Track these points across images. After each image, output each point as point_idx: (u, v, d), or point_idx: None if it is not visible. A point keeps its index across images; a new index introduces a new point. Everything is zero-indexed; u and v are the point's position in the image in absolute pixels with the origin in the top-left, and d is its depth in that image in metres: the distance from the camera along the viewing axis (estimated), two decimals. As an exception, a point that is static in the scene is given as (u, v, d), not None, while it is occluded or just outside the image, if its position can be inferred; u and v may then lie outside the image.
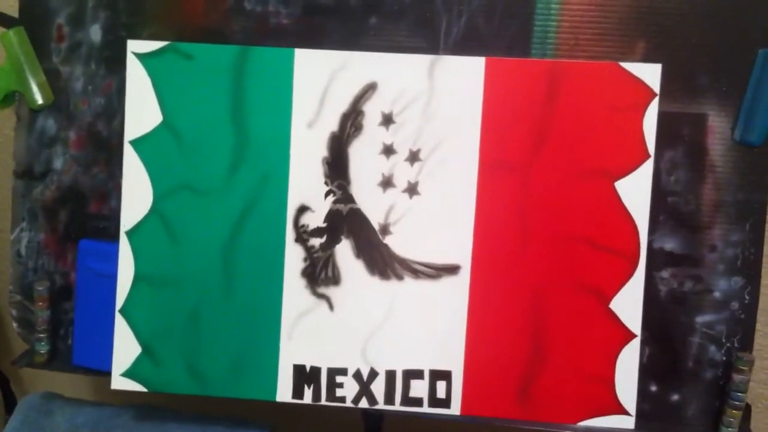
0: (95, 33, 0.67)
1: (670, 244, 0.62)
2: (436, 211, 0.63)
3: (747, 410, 0.63)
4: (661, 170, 0.61)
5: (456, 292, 0.63)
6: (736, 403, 0.61)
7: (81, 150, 0.67)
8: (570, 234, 0.62)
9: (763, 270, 0.66)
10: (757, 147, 0.60)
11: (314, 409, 0.64)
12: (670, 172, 0.61)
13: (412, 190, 0.63)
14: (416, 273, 0.63)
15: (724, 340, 0.62)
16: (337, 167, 0.63)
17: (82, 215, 0.68)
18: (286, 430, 0.73)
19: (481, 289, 0.63)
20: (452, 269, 0.63)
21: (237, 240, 0.64)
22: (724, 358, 0.62)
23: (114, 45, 0.66)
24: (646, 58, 0.61)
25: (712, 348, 0.63)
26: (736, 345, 0.62)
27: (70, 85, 0.67)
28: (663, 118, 0.61)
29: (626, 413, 0.62)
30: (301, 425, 0.74)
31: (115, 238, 0.65)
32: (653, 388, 0.63)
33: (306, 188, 0.63)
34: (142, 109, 0.64)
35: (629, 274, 0.62)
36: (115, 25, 0.66)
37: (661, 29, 0.61)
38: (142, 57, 0.64)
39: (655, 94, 0.60)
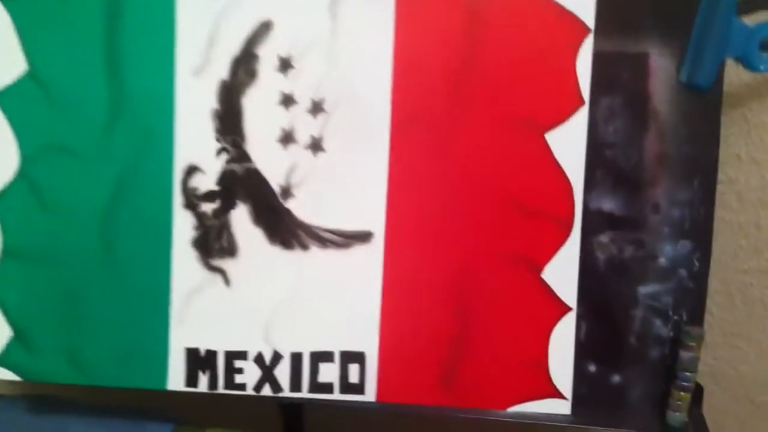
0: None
1: (608, 205, 0.54)
2: (345, 170, 0.54)
3: (698, 392, 0.56)
4: (597, 119, 0.54)
5: (369, 262, 0.55)
6: (684, 384, 0.54)
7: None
8: (495, 194, 0.54)
9: (717, 231, 0.59)
10: (707, 90, 0.52)
11: (228, 398, 0.56)
12: (608, 121, 0.54)
13: (316, 146, 0.54)
14: (323, 241, 0.55)
15: (670, 313, 0.55)
16: (229, 121, 0.54)
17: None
18: (199, 421, 0.65)
19: (397, 259, 0.55)
20: (364, 237, 0.55)
21: (117, 207, 0.55)
22: (671, 334, 0.55)
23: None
24: (580, -9, 0.52)
25: (658, 322, 0.55)
26: (684, 318, 0.55)
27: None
28: (598, 59, 0.53)
29: (561, 397, 0.55)
30: (213, 415, 0.65)
31: (-19, 207, 0.56)
32: (591, 369, 0.56)
33: (194, 146, 0.55)
34: (2, 57, 0.55)
35: (562, 239, 0.54)
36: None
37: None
38: (3, -3, 0.55)
39: (589, 30, 0.52)
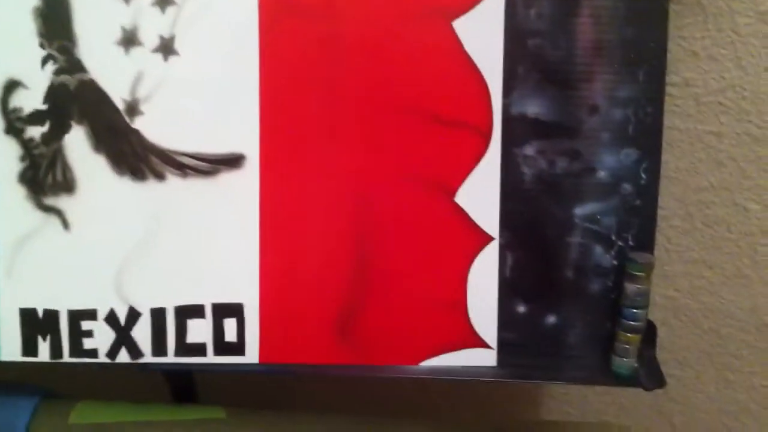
0: None
1: (533, 108, 0.44)
2: (204, 77, 0.43)
3: (650, 332, 0.46)
4: (516, 1, 0.42)
5: (241, 192, 0.44)
6: (632, 323, 0.44)
7: None
8: (394, 101, 0.43)
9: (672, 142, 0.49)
10: (650, -41, 0.41)
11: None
12: (530, 2, 0.42)
13: (166, 48, 0.43)
14: (183, 168, 0.43)
15: (613, 238, 0.45)
16: (55, 21, 0.43)
17: None
18: (72, 391, 0.54)
19: (276, 187, 0.44)
20: (234, 161, 0.43)
21: None
22: (615, 263, 0.45)
23: None
24: None
25: (598, 249, 0.45)
26: (630, 243, 0.44)
27: None
28: (515, -76, 0.41)
29: (485, 345, 0.45)
30: (89, 384, 0.54)
31: None
32: (520, 310, 0.45)
33: (13, 55, 0.43)
34: None
35: (479, 154, 0.43)
36: None
37: None
38: None
39: None
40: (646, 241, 0.45)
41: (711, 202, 0.55)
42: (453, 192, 0.45)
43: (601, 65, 0.44)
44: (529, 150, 0.45)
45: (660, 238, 0.56)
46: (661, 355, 0.48)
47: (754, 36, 0.51)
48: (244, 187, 0.45)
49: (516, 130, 0.44)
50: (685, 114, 0.53)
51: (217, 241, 0.45)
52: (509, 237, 0.45)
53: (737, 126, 0.53)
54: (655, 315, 0.53)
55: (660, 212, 0.53)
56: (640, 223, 0.45)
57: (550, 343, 0.46)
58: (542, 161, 0.45)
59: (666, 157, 0.52)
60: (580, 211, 0.45)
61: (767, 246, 0.56)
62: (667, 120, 0.50)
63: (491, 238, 0.45)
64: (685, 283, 0.59)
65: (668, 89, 0.51)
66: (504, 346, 0.46)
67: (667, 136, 0.51)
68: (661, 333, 0.53)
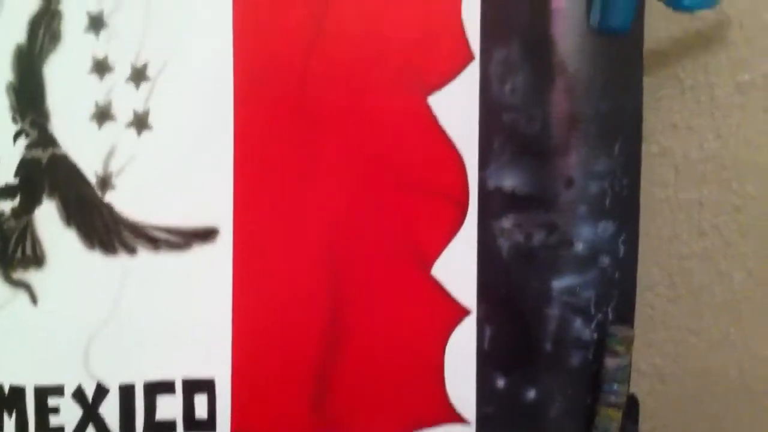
0: None
1: (510, 181, 0.43)
2: (178, 151, 0.42)
3: (632, 406, 0.44)
4: (490, 77, 0.42)
5: (214, 266, 0.43)
6: (612, 398, 0.43)
7: None
8: (370, 173, 0.42)
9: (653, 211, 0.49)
10: (624, 35, 0.41)
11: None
12: (504, 78, 0.42)
13: (140, 123, 0.42)
14: (155, 242, 0.43)
15: (593, 311, 0.44)
16: (28, 96, 0.43)
17: None
18: None
19: (249, 261, 0.43)
20: (207, 234, 0.43)
21: None
22: (595, 336, 0.44)
23: None
24: None
25: (578, 322, 0.44)
26: (610, 317, 0.44)
27: None
28: (488, 3, 0.41)
29: (463, 420, 0.44)
30: None
31: None
32: (499, 383, 0.45)
33: (-15, 129, 0.42)
34: None
35: (456, 227, 0.43)
36: None
37: None
38: None
39: (475, -34, 0.41)
40: (626, 314, 0.45)
41: (694, 269, 0.55)
42: (430, 265, 0.44)
43: (576, 138, 0.44)
44: (506, 223, 0.44)
45: (644, 306, 0.56)
46: (646, 422, 0.47)
47: (732, 107, 0.51)
48: (216, 261, 0.44)
49: (493, 203, 0.44)
50: (666, 183, 0.53)
51: (189, 315, 0.44)
52: (487, 310, 0.44)
53: (718, 195, 0.53)
54: (640, 382, 0.52)
55: (643, 280, 0.52)
56: (619, 295, 0.45)
57: (530, 417, 0.45)
58: (519, 234, 0.44)
59: (648, 225, 0.52)
60: (558, 283, 0.45)
61: (751, 313, 0.55)
62: (648, 189, 0.50)
63: (468, 312, 0.44)
64: (670, 350, 0.58)
65: (648, 159, 0.51)
66: (483, 421, 0.45)
67: (649, 204, 0.51)
68: (647, 400, 0.52)
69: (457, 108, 0.43)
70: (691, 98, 0.52)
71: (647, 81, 0.48)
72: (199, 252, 0.44)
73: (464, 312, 0.44)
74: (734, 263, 0.55)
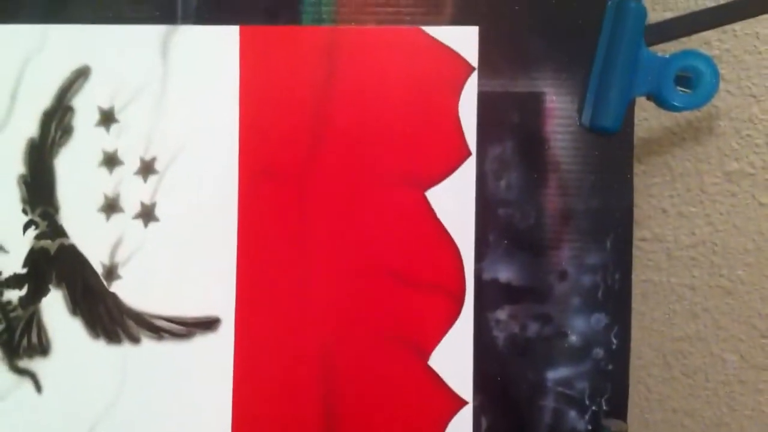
0: None
1: (505, 273, 0.44)
2: (183, 243, 0.44)
3: (626, 494, 0.45)
4: (486, 173, 0.44)
5: (216, 356, 0.44)
6: (607, 492, 0.43)
7: None
8: (368, 265, 0.44)
9: (647, 295, 0.50)
10: (615, 134, 0.43)
11: None
12: (499, 174, 0.44)
13: (147, 215, 0.44)
14: (158, 332, 0.44)
15: (587, 402, 0.45)
16: (39, 188, 0.44)
17: None
18: None
19: (250, 350, 0.44)
20: (209, 324, 0.44)
21: None
22: (590, 427, 0.45)
23: None
24: (457, 20, 0.43)
25: (572, 413, 0.45)
26: (604, 408, 0.44)
27: None
28: (485, 101, 0.43)
29: None
30: None
31: None
32: (495, 475, 0.45)
33: (-4, 220, 0.44)
34: None
35: (452, 318, 0.44)
36: None
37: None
38: None
39: (473, 68, 0.43)
40: (620, 406, 0.46)
41: (688, 351, 0.56)
42: (427, 355, 0.45)
43: (569, 233, 0.45)
44: (501, 314, 0.45)
45: (639, 387, 0.56)
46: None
47: (722, 194, 0.52)
48: (218, 350, 0.45)
49: (488, 295, 0.45)
50: (658, 267, 0.54)
51: (190, 403, 0.45)
52: (483, 400, 0.45)
53: (709, 279, 0.54)
54: (636, 464, 0.53)
55: (638, 361, 0.53)
56: (612, 387, 0.46)
57: None
58: (514, 325, 0.45)
59: (642, 308, 0.53)
60: (552, 374, 0.45)
61: (745, 395, 0.56)
62: (641, 273, 0.52)
63: (465, 402, 0.45)
64: (665, 431, 0.58)
65: (640, 244, 0.53)
66: None
67: (642, 288, 0.53)
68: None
69: (454, 202, 0.45)
70: (682, 186, 0.54)
71: (638, 168, 0.50)
72: (201, 341, 0.45)
73: (461, 403, 0.45)
74: (727, 346, 0.56)
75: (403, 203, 0.45)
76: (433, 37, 0.44)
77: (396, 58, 0.44)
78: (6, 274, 0.45)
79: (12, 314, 0.45)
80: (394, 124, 0.44)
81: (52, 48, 0.44)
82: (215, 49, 0.44)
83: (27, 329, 0.45)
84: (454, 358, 0.45)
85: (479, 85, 0.44)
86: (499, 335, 0.46)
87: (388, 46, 0.44)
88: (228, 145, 0.44)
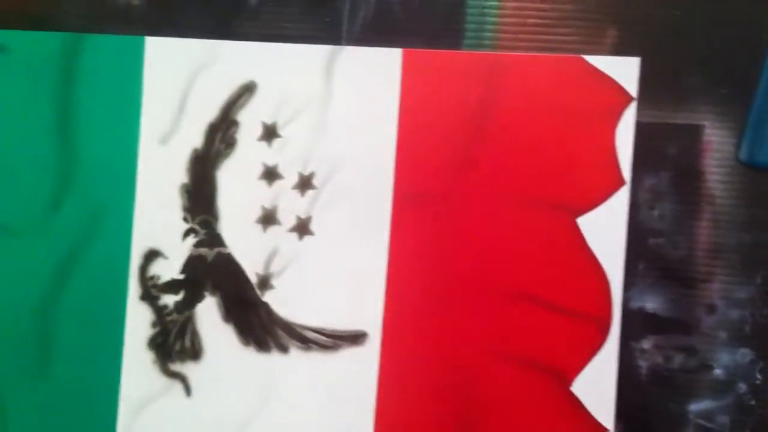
0: None
1: (652, 304, 0.44)
2: (336, 257, 0.45)
3: None
4: (639, 202, 0.44)
5: (361, 369, 0.45)
6: None
7: None
8: (516, 290, 0.44)
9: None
10: (769, 171, 0.43)
11: None
12: (652, 204, 0.44)
13: (302, 228, 0.45)
14: (306, 342, 0.45)
15: (729, 436, 0.44)
16: (200, 198, 0.45)
17: None
18: None
19: (394, 366, 0.45)
20: (356, 338, 0.45)
21: (58, 298, 0.45)
22: (730, 462, 0.44)
23: None
24: (620, 50, 0.44)
25: (714, 447, 0.45)
26: (745, 443, 0.44)
27: None
28: (642, 131, 0.44)
29: None
30: None
31: None
32: (634, 505, 0.45)
33: (157, 226, 0.45)
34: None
35: (597, 346, 0.44)
36: None
37: (638, 11, 0.44)
38: (-60, 48, 0.46)
39: (632, 99, 0.43)
40: (762, 442, 0.45)
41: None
42: (569, 382, 0.45)
43: (719, 267, 0.45)
44: (646, 344, 0.45)
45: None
46: None
47: None
48: (364, 364, 0.46)
49: (633, 324, 0.45)
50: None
51: (333, 414, 0.46)
52: (624, 429, 0.45)
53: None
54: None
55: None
56: (753, 423, 0.45)
57: None
58: (658, 356, 0.45)
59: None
60: (694, 407, 0.45)
61: None
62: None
63: (606, 430, 0.45)
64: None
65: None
66: None
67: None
68: None
69: (605, 230, 0.45)
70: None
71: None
72: (347, 354, 0.46)
73: (602, 431, 0.45)
74: None
75: (553, 228, 0.45)
76: (594, 66, 0.44)
77: (555, 85, 0.45)
78: (164, 279, 0.46)
79: (167, 318, 0.46)
80: (549, 149, 0.45)
81: (222, 63, 0.46)
82: (378, 71, 0.45)
83: (181, 334, 0.46)
84: (596, 386, 0.45)
85: (637, 115, 0.44)
86: (643, 365, 0.46)
87: (547, 73, 0.45)
88: (384, 165, 0.45)
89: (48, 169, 0.46)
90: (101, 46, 0.46)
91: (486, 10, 0.45)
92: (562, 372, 0.45)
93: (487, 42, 0.45)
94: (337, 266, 0.46)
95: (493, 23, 0.45)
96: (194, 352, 0.46)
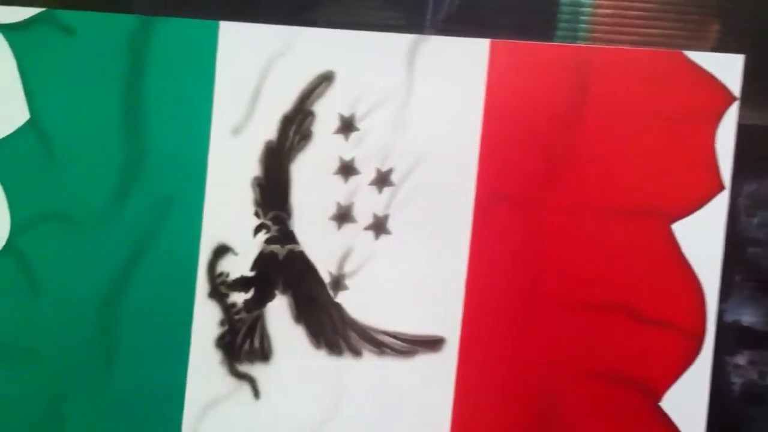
0: (-51, -3, 0.47)
1: (748, 317, 0.42)
2: (413, 258, 0.42)
3: None
4: (738, 208, 0.42)
5: (437, 376, 0.43)
6: None
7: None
8: (601, 298, 0.42)
9: None
10: None
11: None
12: (752, 211, 0.41)
13: (379, 227, 0.42)
14: (380, 347, 0.43)
15: (826, 459, 0.42)
16: (273, 192, 0.43)
17: None
18: None
19: (471, 375, 0.43)
20: (433, 343, 0.42)
21: (124, 294, 0.44)
22: (826, 485, 0.42)
23: (-26, 14, 0.46)
24: (722, 46, 0.41)
25: (809, 470, 0.42)
26: (842, 466, 0.41)
27: None
28: (744, 133, 0.41)
29: None
30: None
31: (-41, 284, 0.45)
32: None
33: (227, 221, 0.43)
34: (1, 103, 0.44)
35: (689, 359, 0.42)
36: (-24, -14, 0.46)
37: (743, 4, 0.41)
38: (5, 29, 0.44)
39: (735, 98, 0.40)
40: None
41: None
42: (658, 397, 0.43)
43: (823, 280, 0.42)
44: (741, 359, 0.43)
45: None
46: None
47: None
48: (439, 371, 0.43)
49: (728, 338, 0.43)
50: None
51: (407, 423, 0.43)
52: (715, 449, 0.43)
53: None
54: None
55: None
56: None
57: None
58: (753, 372, 0.43)
59: None
60: (790, 427, 0.43)
61: None
62: None
63: (696, 449, 0.42)
64: None
65: None
66: None
67: None
68: None
69: (702, 237, 0.42)
70: None
71: None
72: (422, 360, 0.44)
73: (692, 449, 0.42)
74: None
75: (646, 234, 0.42)
76: (694, 63, 0.42)
77: (652, 82, 0.42)
78: (234, 275, 0.44)
79: (236, 317, 0.44)
80: (644, 151, 0.42)
81: (298, 51, 0.44)
82: (463, 62, 0.43)
83: (250, 333, 0.44)
84: (687, 402, 0.43)
85: (739, 116, 0.42)
86: (737, 381, 0.43)
87: (644, 68, 0.42)
88: (467, 163, 0.43)
89: (114, 158, 0.44)
90: (173, 29, 0.44)
91: (581, 1, 0.42)
92: (651, 386, 0.43)
93: (581, 34, 0.42)
94: (414, 268, 0.43)
95: (589, 14, 0.42)
96: (263, 353, 0.44)
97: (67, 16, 0.45)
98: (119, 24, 0.44)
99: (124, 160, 0.44)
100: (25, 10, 0.45)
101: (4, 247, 0.45)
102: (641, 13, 0.42)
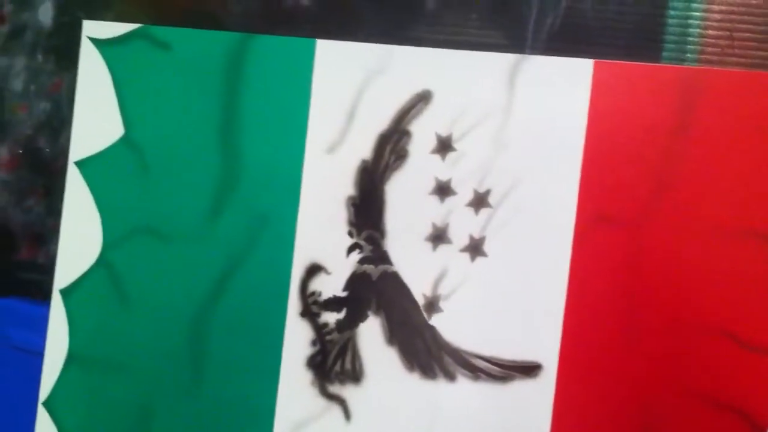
0: (45, 12, 0.47)
1: None
2: (510, 282, 0.41)
3: None
4: None
5: (533, 404, 0.41)
6: None
7: (14, 172, 0.47)
8: (704, 324, 0.40)
9: None
10: None
11: None
12: None
13: (475, 249, 0.42)
14: (475, 371, 0.42)
15: None
16: (367, 212, 0.42)
17: (8, 263, 0.48)
18: None
19: (570, 403, 0.41)
20: (530, 369, 0.41)
21: (215, 310, 0.43)
22: None
23: (68, 30, 0.47)
24: (836, 70, 0.40)
25: None
26: None
27: (6, 83, 0.48)
28: None
29: None
30: None
31: (50, 297, 0.45)
32: None
33: (321, 240, 0.43)
34: (96, 118, 0.44)
35: (800, 392, 0.40)
36: (71, 2, 0.46)
37: None
38: (101, 44, 0.45)
39: None
40: None
41: None
42: (763, 428, 0.41)
43: None
44: None
45: None
46: None
47: None
48: (536, 398, 0.42)
49: (839, 371, 0.41)
50: None
51: (502, 452, 0.42)
52: (824, 487, 0.41)
53: None
54: None
55: None
56: None
57: None
58: None
59: None
60: None
61: None
62: None
63: (805, 487, 0.41)
64: None
65: None
66: None
67: None
68: None
69: (811, 267, 0.41)
70: None
71: None
72: (518, 387, 0.43)
73: (801, 487, 0.41)
74: None
75: (752, 258, 0.41)
76: (808, 84, 0.40)
77: (762, 105, 0.41)
78: (326, 295, 0.43)
79: (327, 337, 0.43)
80: (751, 174, 0.41)
81: (396, 70, 0.43)
82: (565, 83, 0.42)
83: (341, 354, 0.43)
84: (796, 437, 0.41)
85: None
86: None
87: (755, 92, 0.41)
88: (567, 185, 0.42)
89: (209, 175, 0.44)
90: (270, 47, 0.44)
91: (689, 21, 0.41)
92: (756, 416, 0.41)
93: (689, 56, 0.41)
94: (511, 291, 0.42)
95: (697, 35, 0.41)
96: (355, 375, 0.43)
97: (163, 32, 0.45)
98: (216, 41, 0.44)
99: (218, 177, 0.44)
100: (120, 25, 0.45)
101: (97, 261, 0.45)
102: (752, 35, 0.41)
